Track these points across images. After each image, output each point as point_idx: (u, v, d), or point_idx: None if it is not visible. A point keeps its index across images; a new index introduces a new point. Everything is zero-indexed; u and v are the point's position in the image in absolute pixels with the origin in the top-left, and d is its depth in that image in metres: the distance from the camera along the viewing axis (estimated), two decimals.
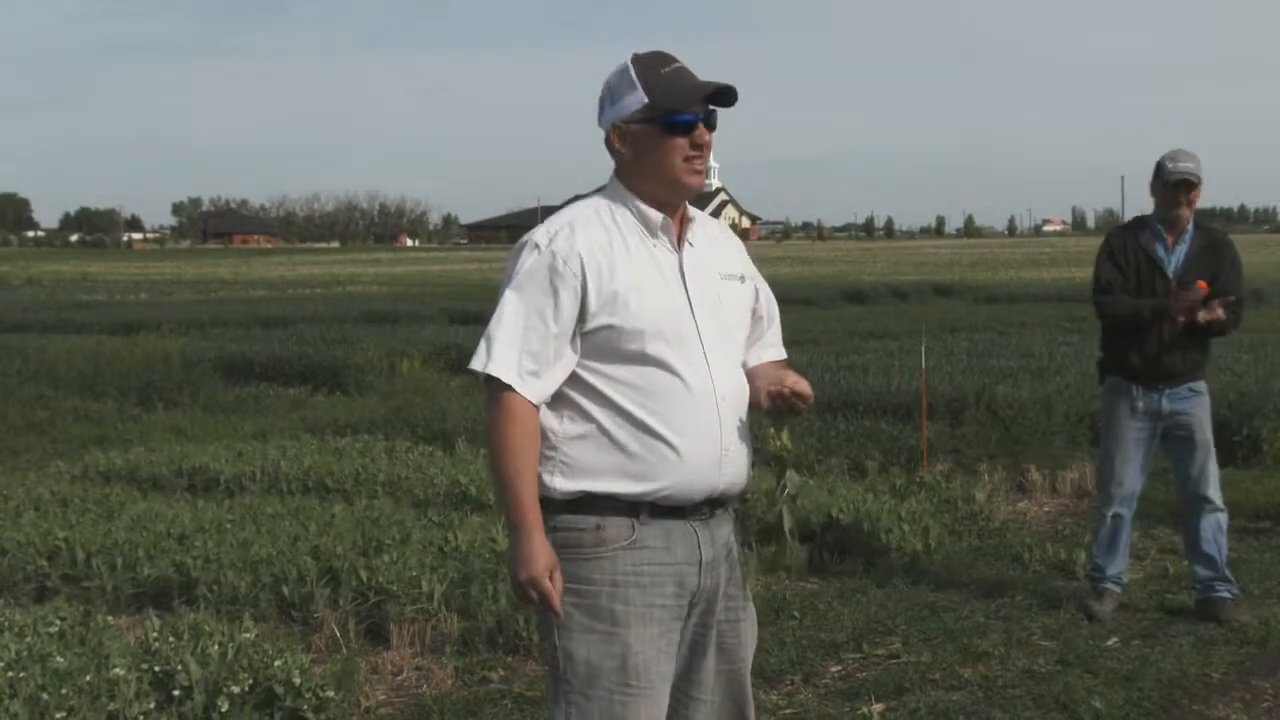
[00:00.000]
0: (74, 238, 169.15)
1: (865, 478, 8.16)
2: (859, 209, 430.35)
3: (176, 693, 4.32)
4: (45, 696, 4.10)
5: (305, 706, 4.42)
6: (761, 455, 2.94)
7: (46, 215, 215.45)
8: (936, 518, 7.11)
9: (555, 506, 2.75)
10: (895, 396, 10.33)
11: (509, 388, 2.70)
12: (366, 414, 11.69)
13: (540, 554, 2.69)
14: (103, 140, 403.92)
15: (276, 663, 4.48)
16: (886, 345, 16.31)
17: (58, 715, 4.02)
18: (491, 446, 2.74)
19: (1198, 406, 5.69)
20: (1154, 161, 5.68)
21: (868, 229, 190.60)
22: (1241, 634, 5.43)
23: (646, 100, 2.75)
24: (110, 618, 5.35)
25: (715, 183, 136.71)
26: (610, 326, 2.72)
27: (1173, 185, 5.55)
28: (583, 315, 2.73)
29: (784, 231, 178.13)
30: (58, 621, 4.93)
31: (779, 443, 2.87)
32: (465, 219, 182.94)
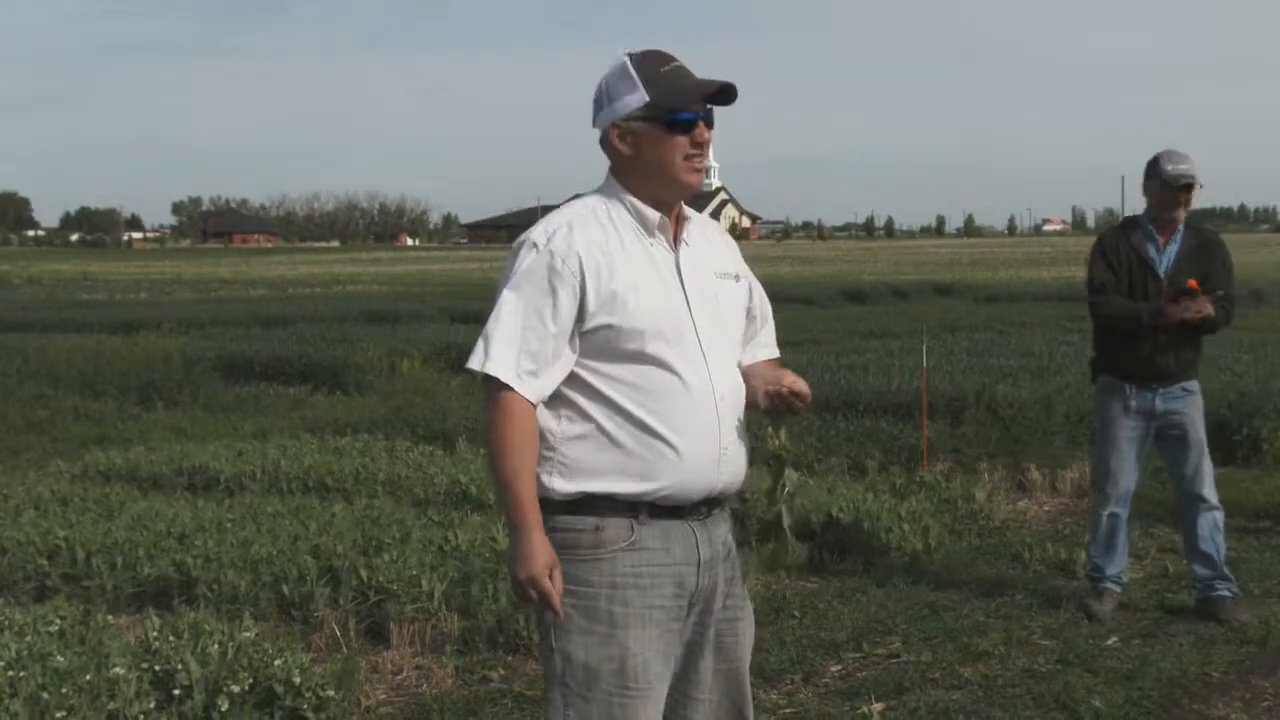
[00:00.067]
0: (74, 237, 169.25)
1: (865, 477, 8.16)
2: (859, 208, 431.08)
3: (176, 692, 4.32)
4: (45, 696, 4.10)
5: (305, 706, 4.42)
6: (760, 454, 2.94)
7: (47, 215, 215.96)
8: (936, 517, 7.11)
9: (554, 507, 2.75)
10: (895, 396, 10.33)
11: (507, 387, 2.70)
12: (367, 413, 11.69)
13: (540, 553, 2.69)
14: (103, 140, 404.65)
15: (276, 662, 4.47)
16: (887, 345, 16.30)
17: (58, 714, 4.02)
18: (490, 446, 2.74)
19: (1190, 406, 5.70)
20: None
21: (868, 228, 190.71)
22: (1241, 633, 5.43)
23: (648, 99, 2.75)
24: (110, 617, 5.36)
25: (715, 182, 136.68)
26: (609, 326, 2.72)
27: (1175, 187, 5.56)
28: (581, 315, 2.72)
29: (784, 231, 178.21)
30: (58, 621, 4.93)
31: (777, 442, 2.87)
32: (465, 218, 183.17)
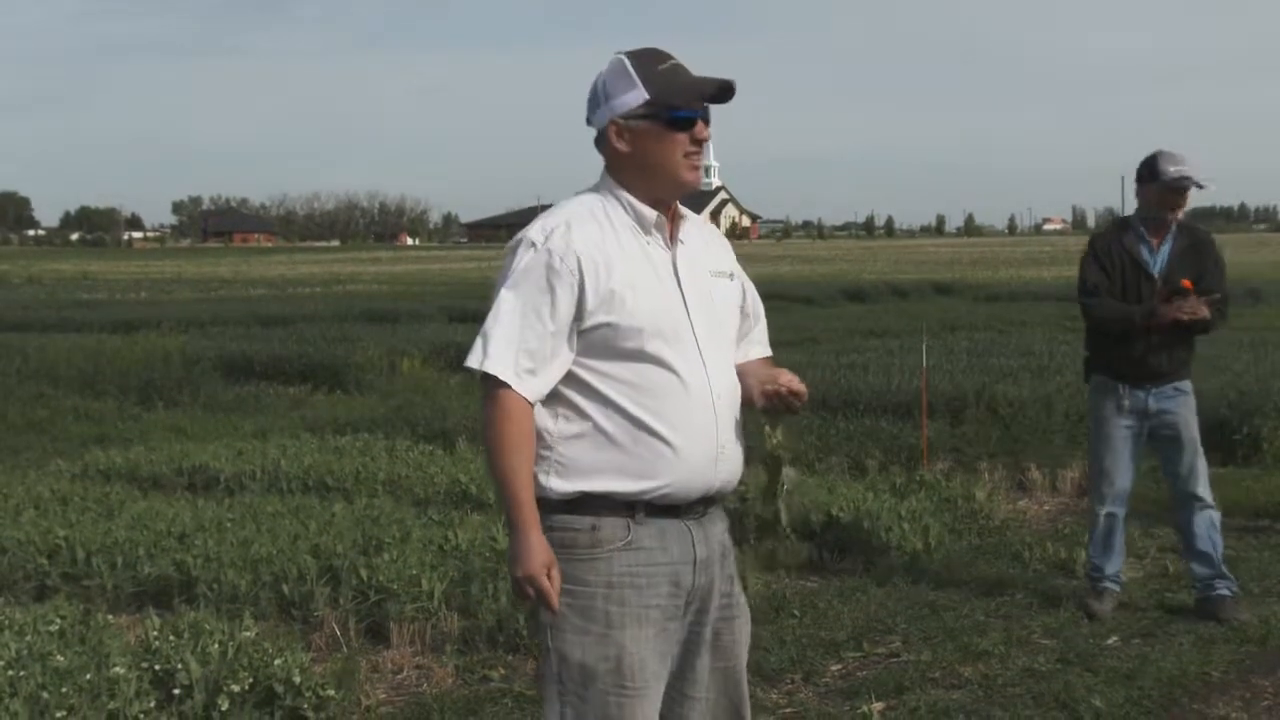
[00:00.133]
0: (74, 236, 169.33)
1: (865, 476, 8.15)
2: (859, 208, 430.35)
3: (176, 691, 4.32)
4: (45, 695, 4.10)
5: (305, 705, 4.42)
6: (757, 453, 2.94)
7: (47, 214, 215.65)
8: (936, 516, 7.11)
9: (551, 507, 2.75)
10: (895, 395, 10.33)
11: (505, 385, 2.70)
12: (367, 413, 11.69)
13: (537, 551, 2.69)
14: (103, 140, 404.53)
15: (276, 661, 4.47)
16: (887, 344, 16.29)
17: (58, 714, 4.02)
18: (488, 444, 2.74)
19: (1183, 406, 5.71)
20: None
21: (868, 228, 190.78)
22: (1241, 632, 5.43)
23: (647, 96, 2.75)
24: (110, 616, 5.36)
25: (715, 181, 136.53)
26: (608, 324, 2.72)
27: (1176, 190, 5.56)
28: (580, 313, 2.72)
29: (784, 230, 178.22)
30: (58, 620, 4.93)
31: (775, 440, 2.87)
32: (465, 218, 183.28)
